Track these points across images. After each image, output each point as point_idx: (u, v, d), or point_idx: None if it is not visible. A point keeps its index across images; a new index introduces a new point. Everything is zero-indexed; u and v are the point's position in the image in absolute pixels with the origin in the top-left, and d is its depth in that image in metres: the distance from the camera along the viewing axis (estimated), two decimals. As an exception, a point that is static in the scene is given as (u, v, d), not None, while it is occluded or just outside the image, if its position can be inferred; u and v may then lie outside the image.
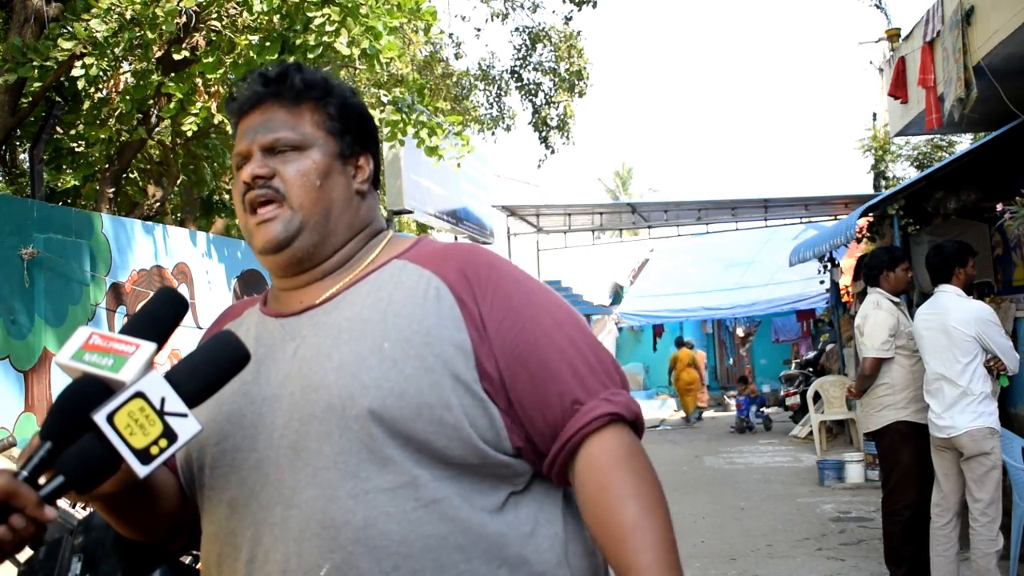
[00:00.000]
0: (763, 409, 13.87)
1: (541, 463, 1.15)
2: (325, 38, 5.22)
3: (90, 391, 0.93)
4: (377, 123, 6.85)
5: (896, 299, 4.55)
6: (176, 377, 0.96)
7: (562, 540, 1.14)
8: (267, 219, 1.18)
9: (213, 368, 0.99)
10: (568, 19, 12.54)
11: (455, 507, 1.07)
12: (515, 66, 12.99)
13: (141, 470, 0.91)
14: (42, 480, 0.93)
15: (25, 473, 0.91)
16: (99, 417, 0.89)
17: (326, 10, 5.25)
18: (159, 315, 1.06)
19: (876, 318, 4.45)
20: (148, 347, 0.96)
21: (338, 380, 1.09)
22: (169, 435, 0.92)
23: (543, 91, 12.96)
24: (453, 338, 1.11)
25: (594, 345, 1.17)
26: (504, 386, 1.12)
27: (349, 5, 5.28)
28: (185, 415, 0.93)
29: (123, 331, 1.00)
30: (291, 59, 5.47)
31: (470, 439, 1.09)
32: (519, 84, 12.97)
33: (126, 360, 0.93)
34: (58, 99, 6.11)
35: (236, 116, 1.26)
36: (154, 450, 0.91)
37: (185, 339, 6.61)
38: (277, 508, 1.08)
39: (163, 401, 0.92)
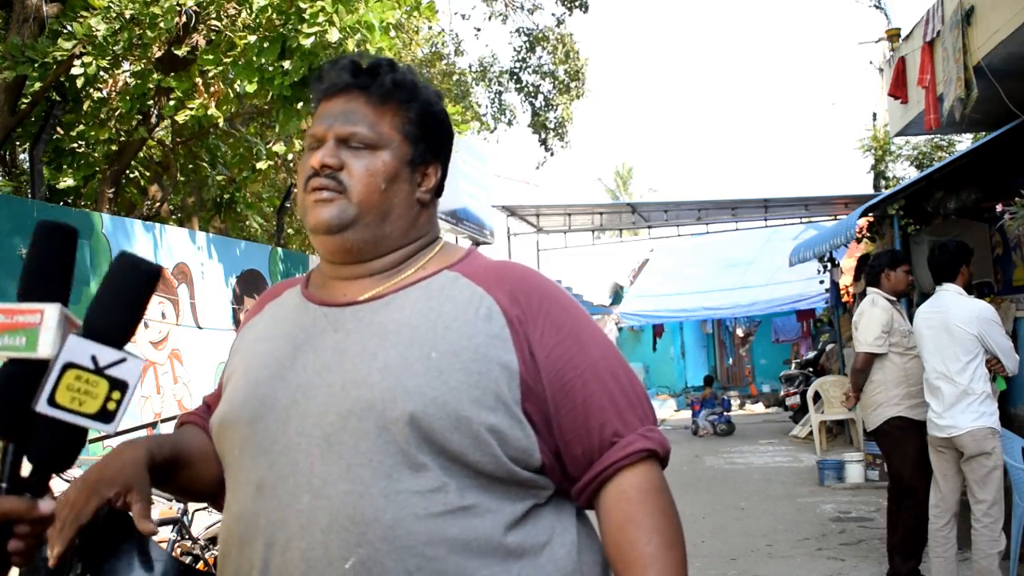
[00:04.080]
0: (726, 413, 13.49)
1: (566, 482, 1.18)
2: (318, 29, 5.22)
3: (20, 374, 0.90)
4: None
5: (892, 299, 4.59)
6: (96, 324, 0.93)
7: (576, 548, 1.18)
8: (323, 199, 1.19)
9: (126, 297, 0.96)
10: (560, 22, 12.56)
11: (480, 515, 1.10)
12: (514, 68, 13.00)
13: (108, 428, 0.90)
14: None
15: (4, 484, 0.89)
16: (41, 407, 0.87)
17: (319, 3, 5.26)
18: (47, 262, 0.98)
19: (871, 315, 4.52)
20: (52, 310, 0.91)
21: (382, 381, 1.10)
22: (118, 385, 0.90)
23: (542, 93, 12.98)
24: (500, 358, 1.13)
25: (632, 378, 1.22)
26: (546, 412, 1.15)
27: None
28: (123, 359, 0.91)
29: (20, 294, 0.94)
30: (289, 62, 5.47)
31: (502, 457, 1.11)
32: (518, 86, 12.98)
33: (37, 334, 0.90)
34: (58, 99, 6.10)
35: (319, 96, 1.26)
36: (111, 406, 0.90)
37: (186, 339, 6.62)
38: (305, 496, 1.09)
39: (94, 359, 0.90)
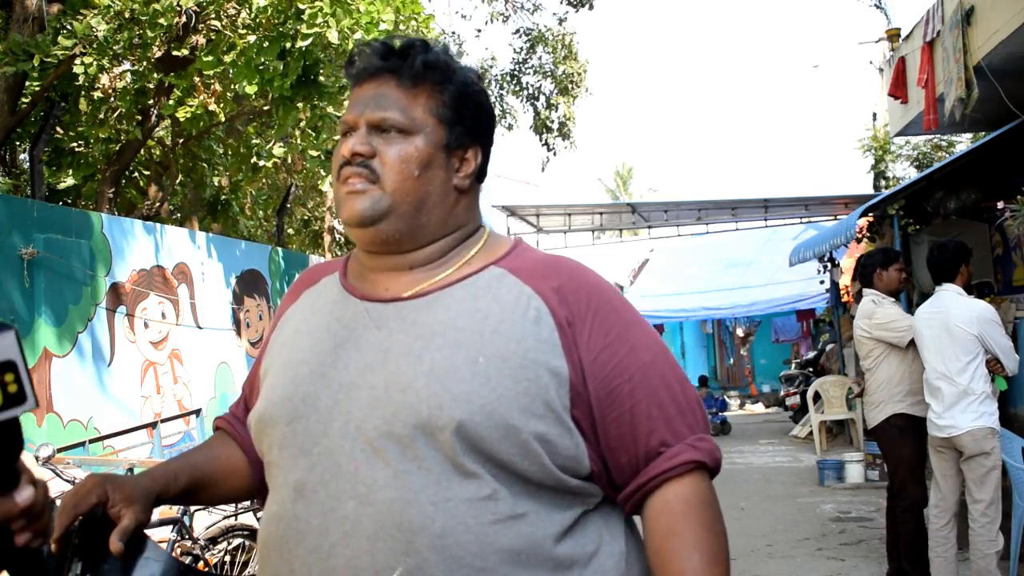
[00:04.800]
0: (721, 413, 13.51)
1: (612, 488, 1.15)
2: (316, 29, 5.23)
3: None
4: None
5: (891, 299, 4.58)
6: None
7: (624, 558, 1.15)
8: (356, 191, 1.14)
9: None
10: (562, 20, 12.56)
11: (531, 524, 1.07)
12: (514, 70, 13.01)
13: (27, 406, 0.81)
14: None
15: None
16: None
17: (317, 2, 5.26)
18: None
19: (885, 312, 4.48)
20: None
21: (428, 386, 1.06)
22: (3, 367, 0.80)
23: (543, 94, 12.98)
24: (550, 363, 1.09)
25: (683, 383, 1.17)
26: (593, 418, 1.11)
27: None
28: None
29: None
30: (285, 63, 5.48)
31: (550, 466, 1.08)
32: (517, 88, 12.99)
33: None
34: (58, 99, 6.10)
35: (351, 82, 1.22)
36: (11, 388, 0.80)
37: (186, 339, 6.62)
38: (350, 502, 1.06)
39: None
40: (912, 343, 4.39)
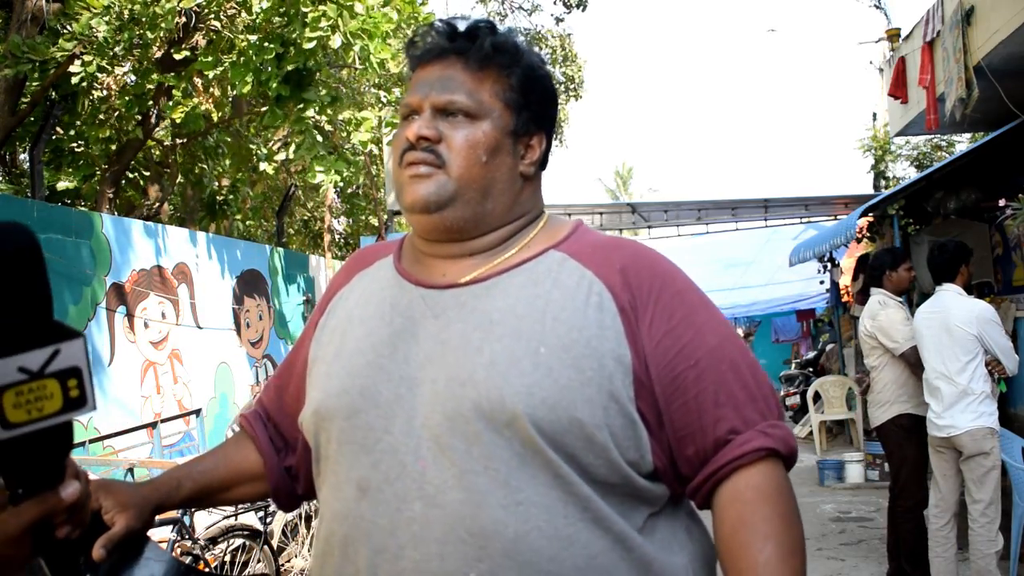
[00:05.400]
0: None
1: (678, 484, 1.10)
2: (320, 33, 5.23)
3: None
4: (377, 123, 6.88)
5: (899, 299, 4.58)
6: (2, 340, 0.75)
7: (691, 563, 1.11)
8: (420, 175, 1.09)
9: (9, 293, 0.76)
10: (559, 20, 12.58)
11: (606, 527, 1.02)
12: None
13: (86, 410, 0.79)
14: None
15: (20, 490, 0.83)
16: (0, 435, 0.75)
17: (322, 8, 5.26)
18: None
19: (888, 315, 4.48)
20: None
21: (488, 379, 1.02)
22: (69, 374, 0.78)
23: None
24: (613, 351, 1.04)
25: (754, 368, 1.11)
26: (657, 407, 1.06)
27: (345, 3, 5.29)
28: (57, 351, 0.77)
29: None
30: (286, 50, 5.48)
31: (616, 460, 1.03)
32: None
33: None
34: (58, 99, 6.10)
35: (414, 63, 1.17)
36: (73, 394, 0.78)
37: (186, 339, 6.62)
38: (417, 504, 1.01)
39: (24, 369, 0.76)
40: (905, 354, 4.41)
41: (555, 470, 1.01)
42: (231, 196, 8.76)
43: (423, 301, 1.12)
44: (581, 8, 11.59)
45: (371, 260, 1.25)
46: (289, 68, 5.40)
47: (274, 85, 5.47)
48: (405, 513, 1.02)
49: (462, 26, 1.15)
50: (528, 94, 1.15)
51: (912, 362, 4.43)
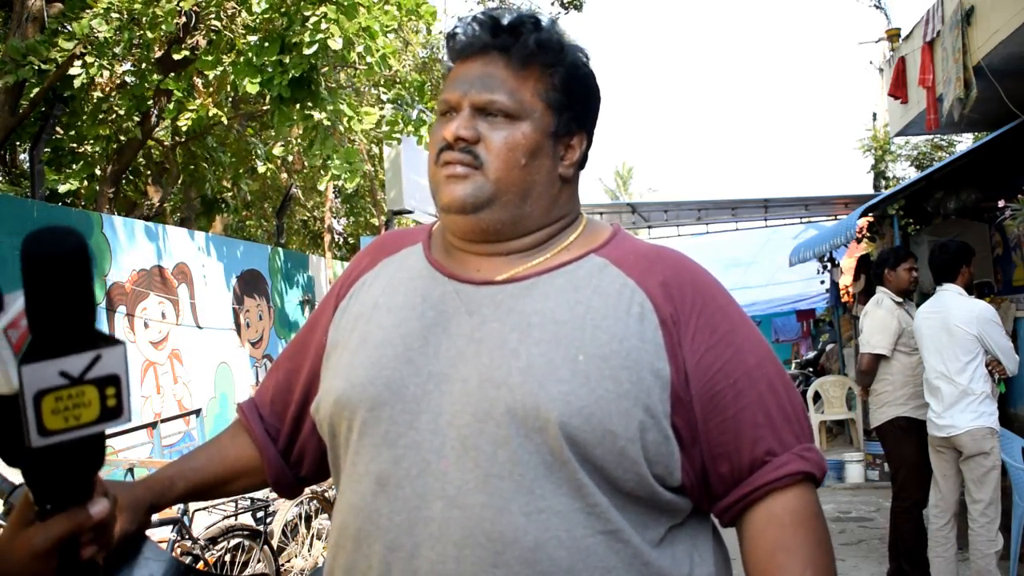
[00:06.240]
0: None
1: (704, 500, 1.09)
2: (321, 35, 5.22)
3: None
4: (378, 122, 6.88)
5: (899, 299, 4.58)
6: (44, 340, 0.75)
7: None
8: (457, 175, 1.07)
9: (57, 296, 0.75)
10: (556, 21, 12.57)
11: (624, 539, 1.01)
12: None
13: (121, 421, 0.79)
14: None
15: (49, 506, 0.81)
16: (36, 442, 0.74)
17: (322, 8, 5.26)
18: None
19: (874, 316, 4.52)
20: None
21: (523, 384, 0.99)
22: (108, 382, 0.78)
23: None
24: (652, 365, 1.02)
25: (789, 389, 1.09)
26: (694, 425, 1.04)
27: (345, 3, 5.29)
28: (98, 356, 0.77)
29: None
30: (288, 58, 5.48)
31: (645, 474, 1.01)
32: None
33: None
34: (58, 100, 6.10)
35: (453, 56, 1.13)
36: (111, 403, 0.78)
37: (186, 339, 6.62)
38: (437, 503, 0.99)
39: (65, 374, 0.75)
40: (863, 357, 4.45)
41: (580, 480, 0.99)
42: (229, 193, 8.76)
43: (457, 296, 1.09)
44: (577, 9, 11.59)
45: (398, 247, 1.21)
46: (294, 74, 5.40)
47: (276, 81, 5.46)
48: (424, 512, 1.00)
49: (505, 20, 1.11)
50: (571, 93, 1.11)
51: (862, 369, 4.48)
